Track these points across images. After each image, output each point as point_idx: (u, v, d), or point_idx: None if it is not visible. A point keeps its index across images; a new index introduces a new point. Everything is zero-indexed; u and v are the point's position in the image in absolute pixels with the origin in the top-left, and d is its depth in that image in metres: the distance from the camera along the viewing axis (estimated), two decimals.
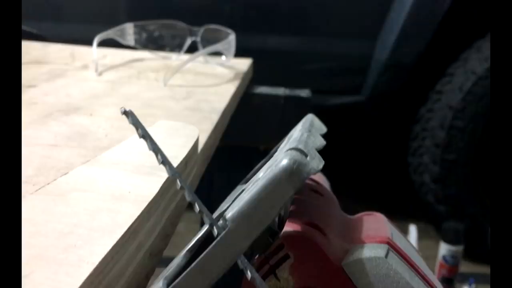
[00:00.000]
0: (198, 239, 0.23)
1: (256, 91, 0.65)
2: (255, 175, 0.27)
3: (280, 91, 0.65)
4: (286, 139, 0.29)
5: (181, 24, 0.67)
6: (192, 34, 0.67)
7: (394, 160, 1.93)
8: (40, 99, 0.44)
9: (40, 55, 0.63)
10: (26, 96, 0.45)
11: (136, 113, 0.42)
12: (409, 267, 0.26)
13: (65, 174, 0.24)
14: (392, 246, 0.26)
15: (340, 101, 1.70)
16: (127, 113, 0.20)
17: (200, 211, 0.19)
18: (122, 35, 0.65)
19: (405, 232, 1.56)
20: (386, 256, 0.25)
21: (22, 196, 0.21)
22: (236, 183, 0.70)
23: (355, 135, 2.08)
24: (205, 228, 0.24)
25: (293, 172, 0.18)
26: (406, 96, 1.69)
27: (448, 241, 1.32)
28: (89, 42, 0.63)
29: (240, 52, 0.65)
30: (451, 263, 1.30)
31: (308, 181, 0.35)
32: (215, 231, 0.19)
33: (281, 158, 0.19)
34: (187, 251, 0.23)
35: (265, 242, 0.25)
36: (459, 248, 1.30)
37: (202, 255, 0.19)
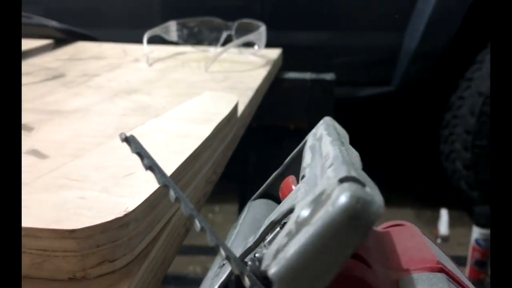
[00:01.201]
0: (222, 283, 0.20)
1: (285, 76, 0.73)
2: (283, 205, 0.21)
3: (307, 75, 0.73)
4: (309, 150, 0.25)
5: (217, 20, 0.76)
6: (227, 28, 0.75)
7: (425, 148, 1.96)
8: (106, 84, 0.54)
9: (97, 52, 0.73)
10: (94, 82, 0.54)
11: (183, 92, 0.51)
12: None
13: (142, 124, 0.33)
14: (446, 273, 0.22)
15: (370, 92, 1.73)
16: (128, 140, 0.17)
17: (226, 256, 0.16)
18: (167, 32, 0.74)
19: (436, 217, 1.59)
20: None
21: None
22: (268, 160, 0.78)
23: (386, 125, 2.12)
24: (227, 270, 0.20)
25: (358, 215, 0.13)
26: (436, 84, 1.71)
27: (481, 224, 1.34)
28: (129, 42, 0.75)
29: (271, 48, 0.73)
30: (484, 247, 1.32)
31: None
32: (247, 283, 0.16)
33: (336, 195, 0.14)
34: None
35: None
36: None
37: None
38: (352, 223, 0.13)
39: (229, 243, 0.21)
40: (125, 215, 0.21)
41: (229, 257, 0.16)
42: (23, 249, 0.20)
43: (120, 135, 0.17)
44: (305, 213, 0.15)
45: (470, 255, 1.34)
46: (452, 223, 1.51)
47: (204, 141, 0.30)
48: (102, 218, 0.20)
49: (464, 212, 1.63)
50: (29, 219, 0.20)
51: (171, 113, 0.35)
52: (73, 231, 0.20)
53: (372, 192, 0.14)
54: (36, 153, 0.34)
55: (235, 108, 0.39)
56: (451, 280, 0.22)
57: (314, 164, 0.21)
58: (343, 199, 0.13)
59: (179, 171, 0.26)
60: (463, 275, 0.24)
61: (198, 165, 0.29)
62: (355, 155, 0.23)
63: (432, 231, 1.54)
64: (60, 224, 0.20)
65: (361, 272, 0.20)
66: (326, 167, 0.18)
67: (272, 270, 0.14)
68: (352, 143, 0.23)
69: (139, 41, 0.78)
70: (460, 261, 1.35)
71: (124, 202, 0.22)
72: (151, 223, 0.23)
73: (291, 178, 0.26)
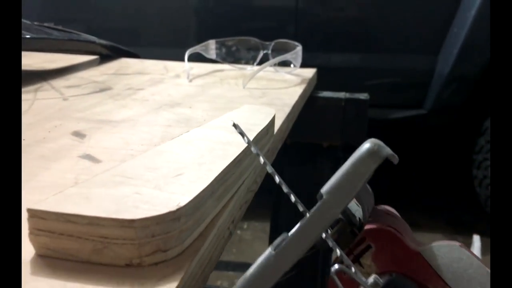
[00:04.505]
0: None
1: (320, 95, 0.75)
2: None
3: (341, 94, 0.75)
4: None
5: (255, 40, 0.79)
6: (264, 48, 0.78)
7: (458, 173, 1.93)
8: (150, 97, 0.57)
9: (140, 68, 0.77)
10: (139, 95, 0.57)
11: (223, 106, 0.54)
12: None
13: (186, 131, 0.35)
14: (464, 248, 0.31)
15: (403, 115, 1.73)
16: (236, 125, 0.25)
17: (295, 201, 0.24)
18: (206, 50, 0.78)
19: (469, 243, 1.56)
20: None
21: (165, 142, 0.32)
22: (303, 176, 0.80)
23: (419, 148, 2.11)
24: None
25: (375, 152, 0.22)
26: (470, 108, 1.69)
27: None
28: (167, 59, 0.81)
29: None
30: None
31: (383, 210, 0.41)
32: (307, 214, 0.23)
33: (362, 144, 0.23)
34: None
35: (351, 234, 0.31)
36: None
37: (302, 222, 0.23)
38: (371, 156, 0.23)
39: None
40: (177, 209, 0.23)
41: (296, 202, 0.24)
42: (85, 236, 0.22)
43: (229, 122, 0.26)
44: None
45: None
46: (485, 250, 1.48)
47: (244, 148, 0.32)
48: (157, 211, 0.22)
49: None
50: (91, 209, 0.22)
51: (213, 122, 0.37)
52: (132, 220, 0.22)
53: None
54: (89, 157, 0.36)
55: (272, 120, 0.41)
56: (466, 248, 0.31)
57: None
58: (367, 144, 0.23)
59: (225, 173, 0.28)
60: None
61: (239, 171, 0.31)
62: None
63: None
64: (120, 214, 0.22)
65: (393, 229, 0.31)
66: None
67: (323, 189, 0.23)
68: (384, 166, 0.27)
69: (174, 59, 0.82)
70: None
71: (175, 198, 0.24)
72: (198, 220, 0.25)
73: None
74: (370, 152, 0.23)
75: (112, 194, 0.24)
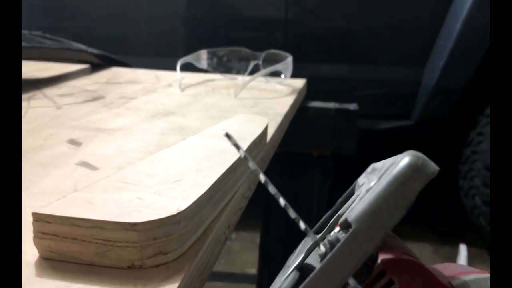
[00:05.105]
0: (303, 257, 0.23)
1: (310, 105, 0.76)
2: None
3: (331, 104, 0.76)
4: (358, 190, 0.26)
5: (246, 50, 0.80)
6: (254, 58, 0.79)
7: (444, 183, 1.96)
8: (143, 106, 0.57)
9: (132, 77, 0.78)
10: (132, 104, 0.58)
11: (216, 115, 0.55)
12: None
13: (183, 139, 0.36)
14: None
15: (390, 126, 1.75)
16: (228, 135, 0.22)
17: (305, 229, 0.20)
18: (198, 60, 0.79)
19: (455, 253, 1.58)
20: None
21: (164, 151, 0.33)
22: (293, 185, 0.81)
23: None
24: (307, 245, 0.23)
25: (419, 168, 0.17)
26: (456, 119, 1.72)
27: None
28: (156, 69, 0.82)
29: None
30: None
31: None
32: (322, 249, 0.19)
33: (400, 159, 0.18)
34: (294, 268, 0.22)
35: (365, 268, 0.24)
36: None
37: (326, 259, 0.18)
38: (416, 173, 0.17)
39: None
40: (178, 213, 0.24)
41: (306, 229, 0.20)
42: (89, 239, 0.23)
43: (222, 131, 0.22)
44: (373, 182, 0.19)
45: None
46: (471, 259, 1.50)
47: (240, 156, 0.33)
48: (158, 214, 0.23)
49: (483, 249, 1.61)
50: (95, 213, 0.23)
51: (208, 131, 0.38)
52: (135, 224, 0.22)
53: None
54: (87, 165, 0.37)
55: (265, 129, 0.42)
56: None
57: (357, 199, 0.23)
58: (407, 158, 0.18)
59: (221, 179, 0.29)
60: None
61: (234, 178, 0.32)
62: None
63: None
64: (123, 218, 0.23)
65: (419, 260, 0.24)
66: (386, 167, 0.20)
67: (351, 217, 0.18)
68: None
69: (162, 68, 0.83)
70: None
71: (176, 203, 0.25)
72: (197, 223, 0.26)
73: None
74: (414, 169, 0.18)
75: (114, 199, 0.25)
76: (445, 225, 1.85)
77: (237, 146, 0.22)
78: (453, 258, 1.56)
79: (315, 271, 0.18)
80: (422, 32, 1.63)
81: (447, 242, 1.71)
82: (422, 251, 1.66)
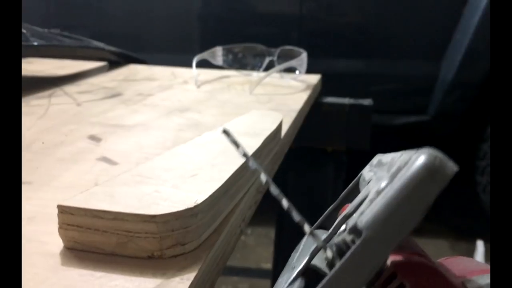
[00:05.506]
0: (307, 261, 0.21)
1: (324, 101, 0.77)
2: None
3: (345, 100, 0.77)
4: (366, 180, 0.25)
5: (261, 46, 0.81)
6: (269, 54, 0.80)
7: (461, 178, 1.94)
8: (160, 103, 0.58)
9: (148, 74, 0.79)
10: (149, 101, 0.59)
11: (231, 111, 0.55)
12: None
13: (199, 135, 0.37)
14: None
15: (406, 121, 1.74)
16: (227, 132, 0.21)
17: (311, 233, 0.19)
18: (213, 57, 0.80)
19: (472, 249, 1.57)
20: None
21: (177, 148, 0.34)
22: (307, 180, 0.81)
23: None
24: (310, 245, 0.22)
25: (437, 169, 0.16)
26: (473, 114, 1.70)
27: None
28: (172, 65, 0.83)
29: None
30: None
31: None
32: (329, 253, 0.18)
33: (415, 158, 0.16)
34: (297, 274, 0.21)
35: None
36: None
37: (334, 270, 0.17)
38: (432, 174, 0.16)
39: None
40: (195, 206, 0.25)
41: (312, 233, 0.19)
42: (111, 230, 0.24)
43: (221, 129, 0.22)
44: (384, 183, 0.17)
45: None
46: (488, 255, 1.49)
47: (255, 151, 0.34)
48: (176, 207, 0.24)
49: None
50: (116, 205, 0.24)
51: (224, 127, 0.39)
52: (154, 216, 0.23)
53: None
54: (106, 159, 0.38)
55: (280, 125, 0.43)
56: None
57: (378, 176, 0.22)
58: (422, 157, 0.16)
59: (236, 173, 0.30)
60: None
61: (249, 172, 0.33)
62: None
63: None
64: (143, 210, 0.24)
65: (431, 262, 0.22)
66: (396, 161, 0.19)
67: (362, 223, 0.16)
68: None
69: (178, 65, 0.84)
70: None
71: (192, 196, 0.26)
72: (213, 216, 0.27)
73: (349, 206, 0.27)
74: (431, 171, 0.16)
75: (134, 192, 0.26)
76: (462, 221, 1.84)
77: (236, 144, 0.21)
78: (470, 254, 1.55)
79: (322, 283, 0.17)
80: (439, 26, 1.61)
81: (463, 238, 1.70)
82: (438, 247, 1.65)
